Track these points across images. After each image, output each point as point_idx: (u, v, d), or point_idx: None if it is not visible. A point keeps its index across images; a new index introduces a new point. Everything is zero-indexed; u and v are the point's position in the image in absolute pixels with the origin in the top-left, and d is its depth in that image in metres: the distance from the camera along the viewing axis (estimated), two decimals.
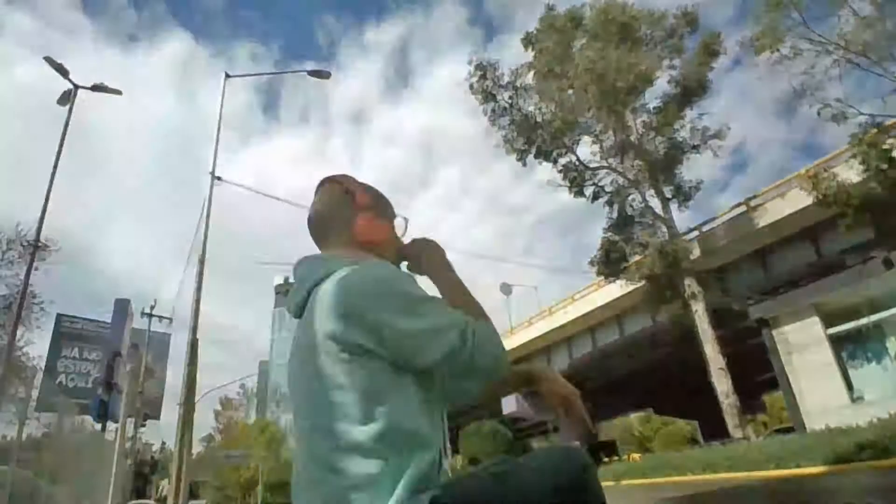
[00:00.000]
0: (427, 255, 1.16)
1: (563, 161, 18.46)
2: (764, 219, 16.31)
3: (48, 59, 11.17)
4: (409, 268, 1.18)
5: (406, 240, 1.22)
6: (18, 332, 10.97)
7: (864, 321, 11.82)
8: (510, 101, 18.62)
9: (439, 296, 1.07)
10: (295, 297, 1.05)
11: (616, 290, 19.71)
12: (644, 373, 28.22)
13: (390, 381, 0.91)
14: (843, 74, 12.21)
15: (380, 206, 1.20)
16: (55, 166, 10.72)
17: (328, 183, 1.21)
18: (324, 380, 0.91)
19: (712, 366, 14.87)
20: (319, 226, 1.17)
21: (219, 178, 11.28)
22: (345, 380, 0.89)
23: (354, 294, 0.92)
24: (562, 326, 24.76)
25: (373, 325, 0.90)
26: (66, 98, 11.47)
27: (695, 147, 17.31)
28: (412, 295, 0.94)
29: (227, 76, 12.26)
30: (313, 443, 0.91)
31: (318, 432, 0.90)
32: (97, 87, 11.94)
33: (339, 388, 0.89)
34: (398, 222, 1.22)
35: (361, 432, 0.86)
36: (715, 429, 20.79)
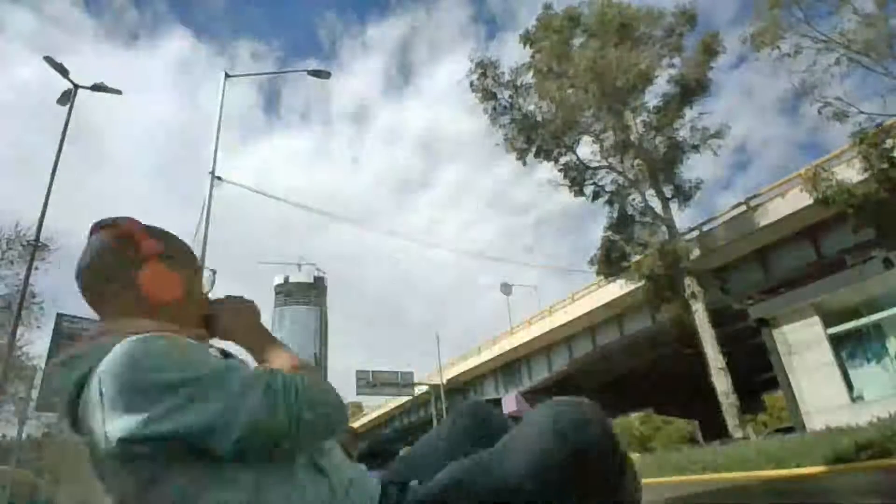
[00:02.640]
0: (232, 317, 0.96)
1: (563, 160, 18.45)
2: (764, 218, 16.31)
3: (48, 59, 11.17)
4: (209, 332, 0.96)
5: (210, 295, 1.02)
6: (18, 332, 10.98)
7: (863, 321, 11.81)
8: (510, 100, 18.62)
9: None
10: (64, 420, 0.83)
11: (616, 289, 19.73)
12: (644, 373, 28.21)
13: (215, 469, 0.74)
14: (844, 73, 12.21)
15: (175, 254, 0.96)
16: (55, 166, 10.74)
17: (102, 228, 0.94)
18: None
19: (712, 365, 14.87)
20: (90, 286, 0.91)
21: (219, 178, 11.28)
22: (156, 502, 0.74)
23: (111, 398, 0.72)
24: (562, 326, 24.77)
25: (148, 431, 0.70)
26: (66, 98, 11.48)
27: (695, 146, 17.30)
28: (188, 372, 0.74)
29: (227, 76, 12.25)
30: None
31: None
32: (97, 87, 11.94)
33: None
34: (205, 275, 1.02)
35: None
36: (715, 429, 20.80)
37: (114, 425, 0.71)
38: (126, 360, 0.73)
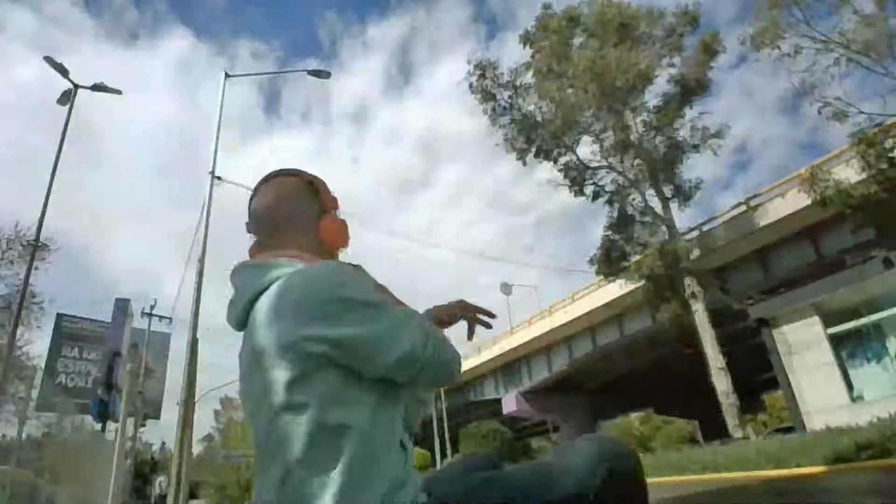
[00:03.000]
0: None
1: (563, 160, 18.46)
2: (764, 218, 16.32)
3: (48, 59, 11.17)
4: None
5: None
6: (18, 332, 10.97)
7: (863, 321, 11.80)
8: (510, 101, 18.62)
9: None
10: (235, 309, 0.97)
11: (616, 289, 19.73)
12: (644, 373, 28.22)
13: (353, 385, 0.86)
14: (844, 73, 12.21)
15: (337, 210, 1.13)
16: (55, 166, 10.73)
17: (284, 175, 1.11)
18: (283, 400, 0.84)
19: (712, 365, 14.87)
20: (272, 221, 1.05)
21: (219, 178, 11.29)
22: (305, 396, 0.83)
23: (303, 302, 0.86)
24: (562, 326, 24.78)
25: (326, 334, 0.84)
26: (66, 98, 11.47)
27: (695, 146, 17.31)
28: (367, 296, 0.89)
29: (227, 76, 12.26)
30: (283, 466, 0.84)
31: (287, 456, 0.84)
32: (97, 87, 11.94)
33: (300, 407, 0.83)
34: None
35: (319, 448, 0.82)
36: (715, 429, 20.78)
37: (302, 324, 0.84)
38: (322, 277, 0.88)
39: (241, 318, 0.95)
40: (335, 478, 0.81)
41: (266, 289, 0.92)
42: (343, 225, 1.10)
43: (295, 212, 1.06)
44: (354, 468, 0.81)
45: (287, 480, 0.83)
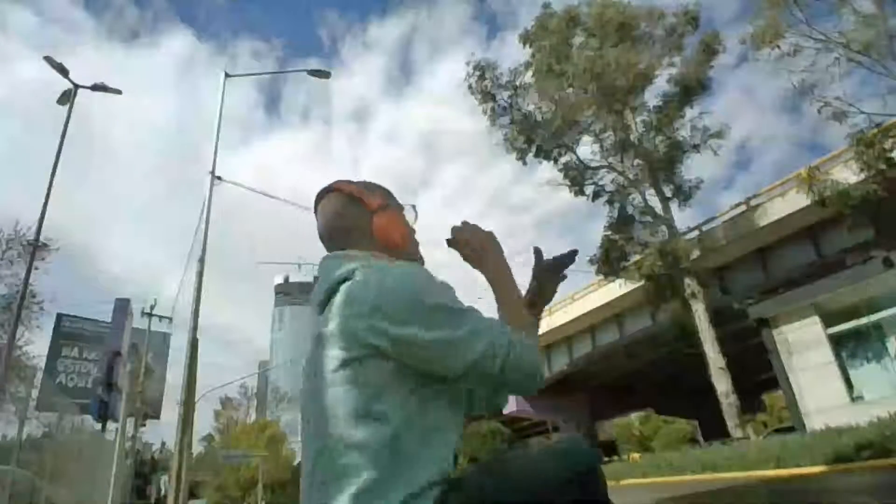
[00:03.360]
0: (489, 248, 1.10)
1: (563, 160, 18.44)
2: (764, 218, 16.32)
3: (48, 59, 11.14)
4: (463, 257, 1.12)
5: (416, 228, 1.19)
6: (18, 332, 10.97)
7: (863, 321, 11.79)
8: (509, 101, 18.61)
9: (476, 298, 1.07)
10: (318, 294, 1.04)
11: (616, 289, 19.72)
12: (644, 373, 28.22)
13: (402, 380, 0.90)
14: (844, 73, 12.19)
15: (390, 202, 1.16)
16: (55, 165, 10.71)
17: (328, 194, 1.16)
18: (333, 377, 0.90)
19: (712, 366, 14.87)
20: (336, 241, 1.12)
21: (219, 178, 11.28)
22: (354, 378, 0.89)
23: (378, 296, 0.91)
24: (562, 326, 24.76)
25: (391, 330, 0.88)
26: (66, 97, 11.45)
27: (695, 146, 17.29)
28: (440, 303, 0.91)
29: (227, 76, 12.25)
30: (320, 442, 0.90)
31: (325, 432, 0.89)
32: (97, 87, 11.92)
33: (347, 386, 0.89)
34: (408, 211, 1.19)
35: (357, 431, 0.86)
36: (715, 429, 20.78)
37: (370, 315, 0.89)
38: (398, 277, 0.93)
39: (323, 302, 1.01)
40: (365, 464, 0.84)
41: (347, 278, 0.97)
42: (392, 217, 1.12)
43: (350, 227, 1.11)
44: (385, 460, 0.85)
45: (322, 454, 0.88)
